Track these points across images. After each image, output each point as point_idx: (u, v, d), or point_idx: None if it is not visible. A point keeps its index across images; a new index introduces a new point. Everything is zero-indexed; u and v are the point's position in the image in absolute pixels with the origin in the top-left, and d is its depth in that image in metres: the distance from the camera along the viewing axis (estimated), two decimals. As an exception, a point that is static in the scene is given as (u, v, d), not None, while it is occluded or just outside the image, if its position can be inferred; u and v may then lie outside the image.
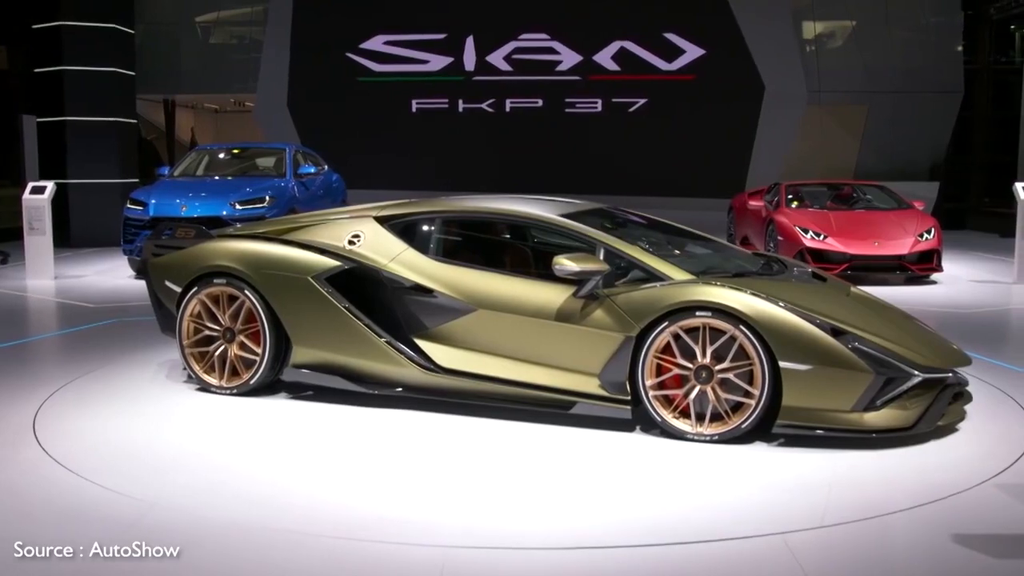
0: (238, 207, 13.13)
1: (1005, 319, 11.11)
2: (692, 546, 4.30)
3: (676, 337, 5.81)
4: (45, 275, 13.51)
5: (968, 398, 6.29)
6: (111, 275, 14.06)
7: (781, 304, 5.71)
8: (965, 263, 15.76)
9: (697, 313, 5.73)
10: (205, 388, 6.97)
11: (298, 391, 6.93)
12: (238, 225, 9.28)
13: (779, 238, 13.65)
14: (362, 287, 6.69)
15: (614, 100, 24.10)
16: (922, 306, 10.76)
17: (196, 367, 7.01)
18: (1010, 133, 27.24)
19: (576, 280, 6.07)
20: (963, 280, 13.82)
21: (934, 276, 13.69)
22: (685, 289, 5.87)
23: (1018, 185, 13.61)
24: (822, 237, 13.22)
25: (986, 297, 12.31)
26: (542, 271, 6.61)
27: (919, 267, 13.28)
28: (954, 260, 15.44)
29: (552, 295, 6.17)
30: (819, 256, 12.91)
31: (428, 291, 6.48)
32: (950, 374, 6.04)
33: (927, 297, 12.08)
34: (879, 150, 24.21)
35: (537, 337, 6.18)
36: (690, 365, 5.79)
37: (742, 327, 5.64)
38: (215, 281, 6.92)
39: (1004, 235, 19.44)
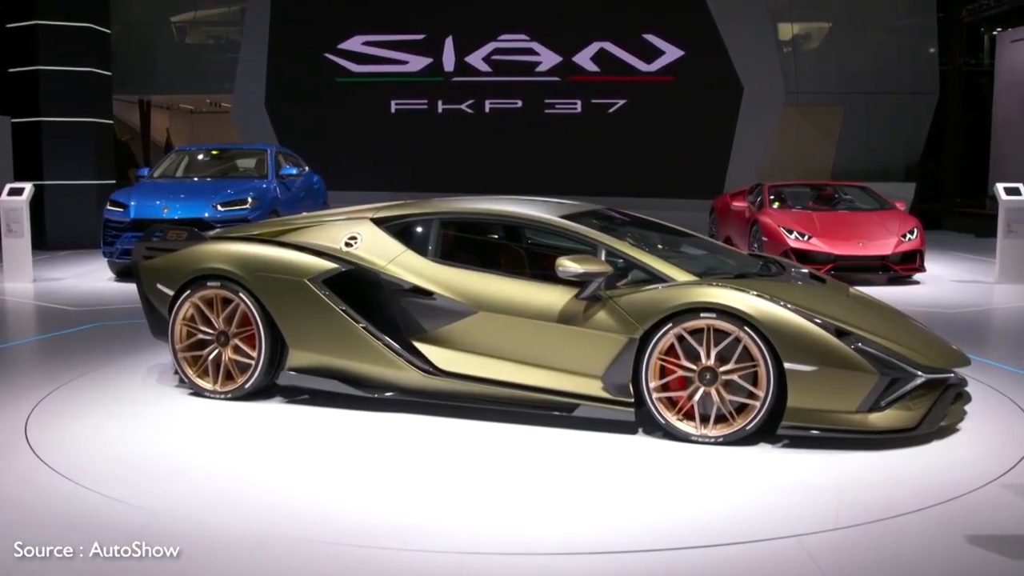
0: (220, 208, 13.03)
1: (990, 318, 11.16)
2: (708, 550, 4.27)
3: (680, 339, 5.77)
4: (24, 278, 13.36)
5: (968, 398, 6.30)
6: (91, 278, 13.91)
7: (785, 305, 5.69)
8: (946, 263, 15.84)
9: (701, 314, 5.70)
10: (198, 393, 6.87)
11: (293, 395, 6.85)
12: (218, 228, 9.18)
13: (763, 239, 13.68)
14: (360, 289, 6.62)
15: (593, 101, 24.11)
16: (907, 306, 10.72)
17: (189, 371, 6.91)
18: (981, 135, 27.48)
19: (578, 282, 6.03)
20: (945, 280, 13.89)
21: (917, 276, 13.75)
22: (688, 290, 5.83)
23: (998, 186, 13.72)
24: (806, 237, 13.25)
25: (969, 297, 12.36)
26: (542, 273, 6.57)
27: (902, 267, 13.34)
28: (935, 260, 15.52)
29: (554, 297, 6.12)
30: (803, 257, 12.91)
31: (428, 293, 6.42)
32: (952, 374, 6.03)
33: (911, 297, 12.11)
34: (855, 151, 24.32)
35: (539, 339, 6.13)
36: (694, 367, 5.75)
37: (747, 328, 5.61)
38: (209, 284, 6.82)
39: (980, 235, 19.60)
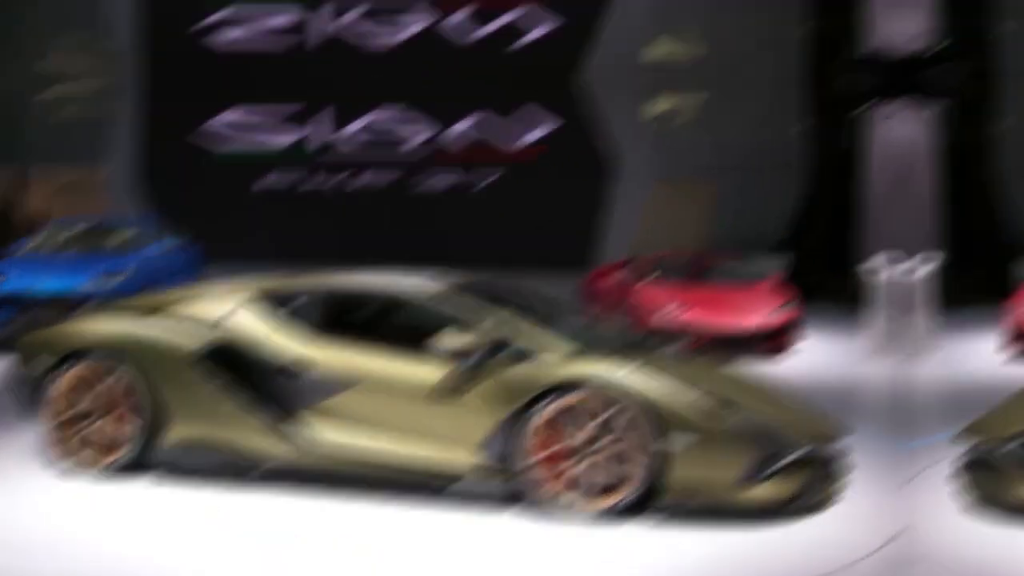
0: (98, 281, 12.77)
1: (865, 390, 11.36)
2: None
3: (559, 412, 5.81)
4: None
5: (845, 471, 6.41)
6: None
7: (663, 378, 5.77)
8: (819, 336, 16.03)
9: (581, 388, 5.75)
10: (74, 469, 6.67)
11: (172, 470, 6.68)
12: (95, 301, 8.99)
13: (637, 313, 13.60)
14: (239, 362, 6.55)
15: (467, 174, 24.24)
16: (782, 379, 10.91)
17: (64, 448, 6.72)
18: (853, 208, 28.22)
19: (458, 355, 6.05)
20: (819, 352, 14.07)
21: (791, 349, 13.88)
22: (567, 365, 5.91)
23: (872, 259, 14.02)
24: (680, 311, 13.20)
25: (844, 369, 12.59)
26: (423, 346, 6.55)
27: (776, 340, 13.45)
28: (809, 333, 15.72)
29: (433, 370, 6.16)
30: (678, 331, 12.79)
31: (308, 366, 6.39)
32: (829, 447, 6.16)
33: (786, 370, 12.22)
34: (729, 224, 24.72)
35: (418, 413, 6.16)
36: (573, 441, 5.78)
37: (625, 402, 5.67)
38: (87, 357, 6.68)
39: (852, 307, 20.03)
